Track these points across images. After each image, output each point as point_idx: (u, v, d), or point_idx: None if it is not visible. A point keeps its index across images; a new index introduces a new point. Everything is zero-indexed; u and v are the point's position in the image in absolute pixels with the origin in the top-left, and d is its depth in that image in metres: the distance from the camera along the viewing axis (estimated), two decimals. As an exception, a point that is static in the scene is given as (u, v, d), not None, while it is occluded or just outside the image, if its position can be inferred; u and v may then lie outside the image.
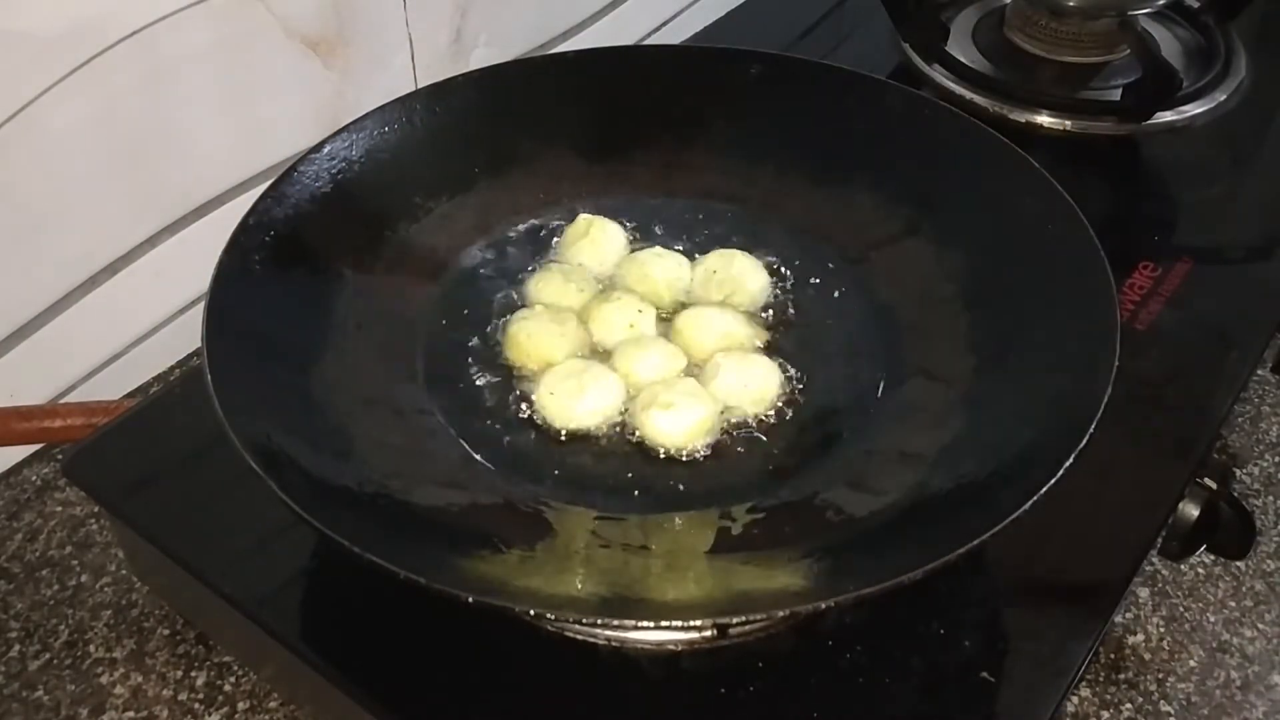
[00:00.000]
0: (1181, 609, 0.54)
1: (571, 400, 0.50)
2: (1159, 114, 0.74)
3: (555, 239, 0.59)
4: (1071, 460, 0.40)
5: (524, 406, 0.51)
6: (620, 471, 0.49)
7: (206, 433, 0.42)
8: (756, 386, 0.51)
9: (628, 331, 0.53)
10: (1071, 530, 0.48)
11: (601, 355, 0.53)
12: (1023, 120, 0.74)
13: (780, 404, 0.51)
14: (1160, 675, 0.51)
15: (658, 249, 0.57)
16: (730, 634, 0.45)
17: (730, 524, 0.46)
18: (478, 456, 0.49)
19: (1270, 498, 0.59)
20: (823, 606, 0.39)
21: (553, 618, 0.42)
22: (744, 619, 0.40)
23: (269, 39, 0.63)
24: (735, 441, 0.50)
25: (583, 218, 0.58)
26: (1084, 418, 0.42)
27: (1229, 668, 0.52)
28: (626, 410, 0.50)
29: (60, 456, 0.59)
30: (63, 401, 0.62)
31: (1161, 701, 0.50)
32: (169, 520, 0.49)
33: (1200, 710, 0.50)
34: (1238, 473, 0.60)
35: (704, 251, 0.57)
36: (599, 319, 0.53)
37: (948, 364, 0.51)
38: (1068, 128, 0.74)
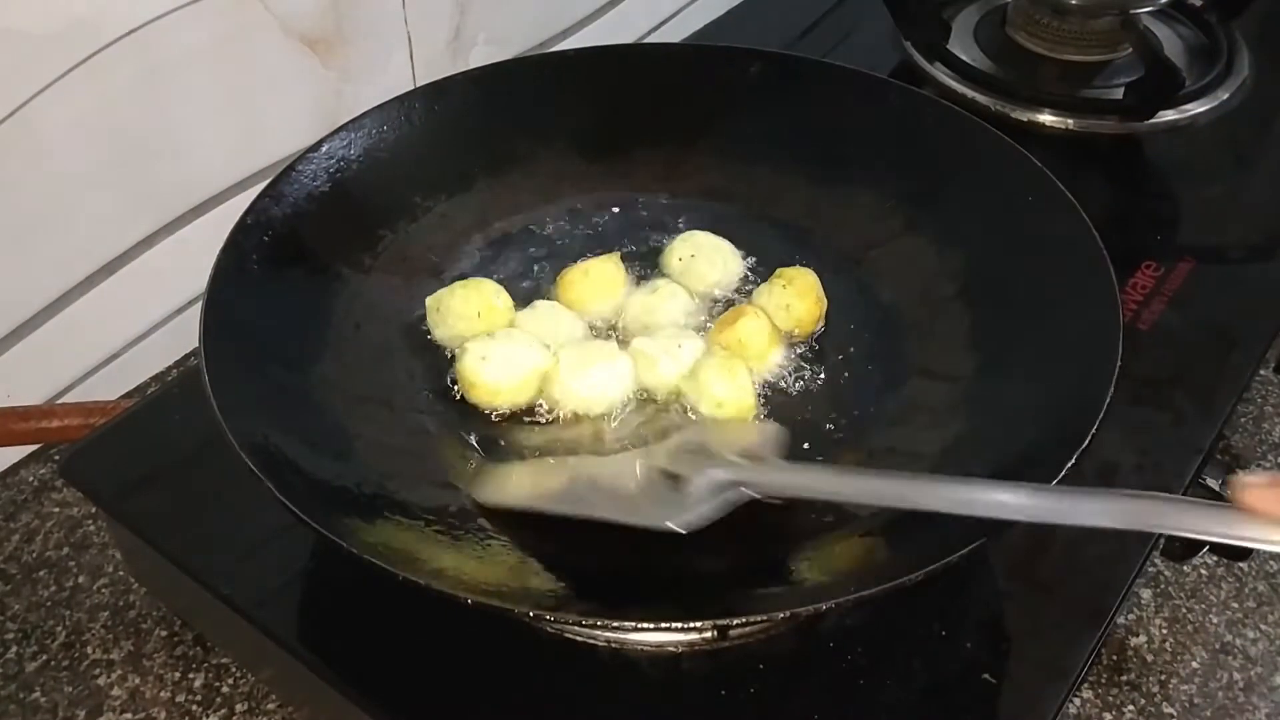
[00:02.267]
0: (1184, 610, 0.54)
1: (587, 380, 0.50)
2: (1161, 113, 0.74)
3: (555, 241, 0.58)
4: (1074, 460, 0.40)
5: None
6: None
7: (204, 433, 0.42)
8: (735, 400, 0.50)
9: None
10: (1073, 531, 0.48)
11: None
12: (1024, 119, 0.74)
13: (776, 405, 0.51)
14: (1163, 677, 0.51)
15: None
16: (730, 635, 0.44)
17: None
18: (476, 457, 0.48)
19: (1273, 498, 0.59)
20: (823, 608, 0.39)
21: (552, 618, 0.42)
22: (744, 620, 0.40)
23: (267, 37, 0.63)
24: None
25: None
26: (1086, 418, 0.41)
27: (1232, 669, 0.51)
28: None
29: (57, 457, 0.59)
30: (60, 402, 0.62)
31: (1164, 703, 0.50)
32: (166, 521, 0.49)
33: (1203, 712, 0.50)
34: (1241, 473, 0.60)
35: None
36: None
37: (949, 363, 0.51)
38: (1070, 126, 0.74)
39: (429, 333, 0.53)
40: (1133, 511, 0.37)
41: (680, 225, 0.59)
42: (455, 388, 0.51)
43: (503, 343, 0.50)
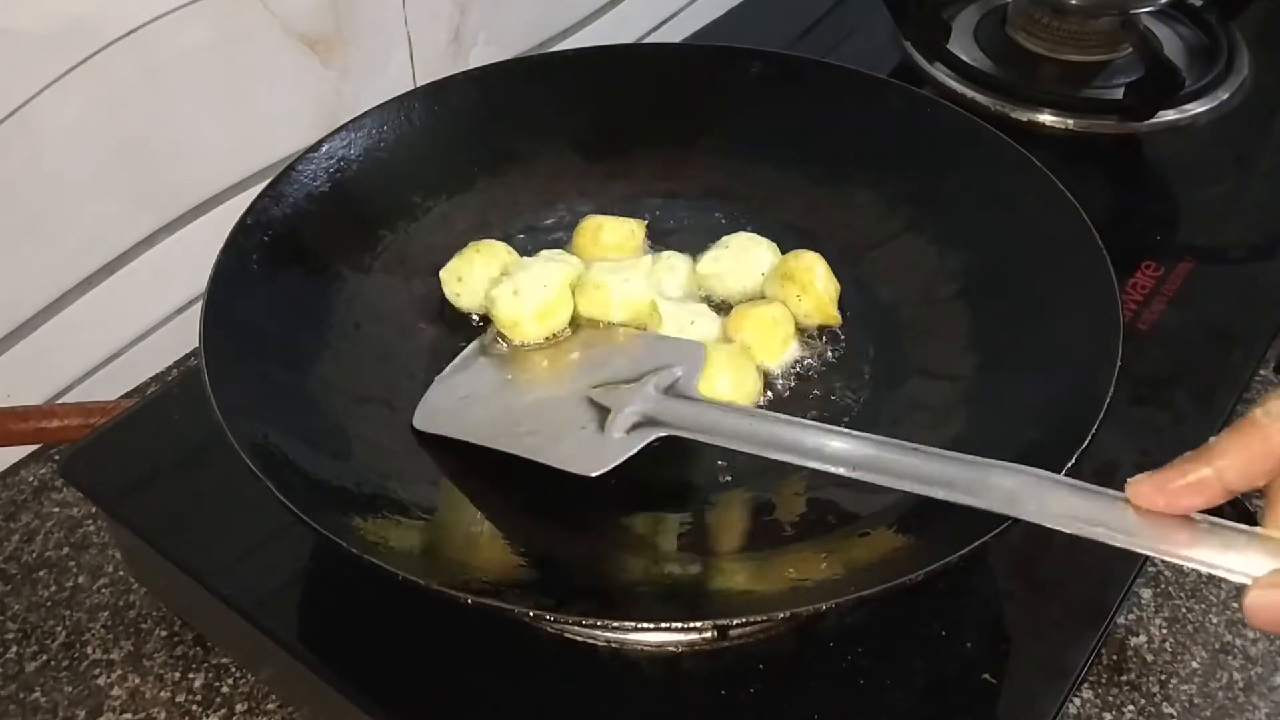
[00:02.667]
0: (1184, 610, 0.53)
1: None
2: (1161, 113, 0.74)
3: (554, 240, 0.58)
4: (1074, 461, 0.40)
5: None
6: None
7: (204, 433, 0.42)
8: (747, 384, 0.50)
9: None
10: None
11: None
12: (1025, 119, 0.74)
13: (776, 406, 0.51)
14: (1163, 677, 0.51)
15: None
16: (730, 635, 0.44)
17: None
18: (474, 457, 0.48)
19: (1273, 498, 0.59)
20: (823, 608, 0.39)
21: (552, 618, 0.42)
22: (744, 620, 0.40)
23: (267, 37, 0.63)
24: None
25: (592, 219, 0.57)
26: (1086, 418, 0.41)
27: (1231, 669, 0.51)
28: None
29: (58, 457, 0.58)
30: (60, 402, 0.62)
31: (1164, 703, 0.50)
32: (166, 521, 0.49)
33: (1203, 712, 0.50)
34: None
35: (702, 250, 0.57)
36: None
37: (949, 363, 0.51)
38: (1070, 126, 0.74)
39: (448, 305, 0.54)
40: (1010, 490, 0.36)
41: (677, 226, 0.59)
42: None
43: (524, 271, 0.52)
